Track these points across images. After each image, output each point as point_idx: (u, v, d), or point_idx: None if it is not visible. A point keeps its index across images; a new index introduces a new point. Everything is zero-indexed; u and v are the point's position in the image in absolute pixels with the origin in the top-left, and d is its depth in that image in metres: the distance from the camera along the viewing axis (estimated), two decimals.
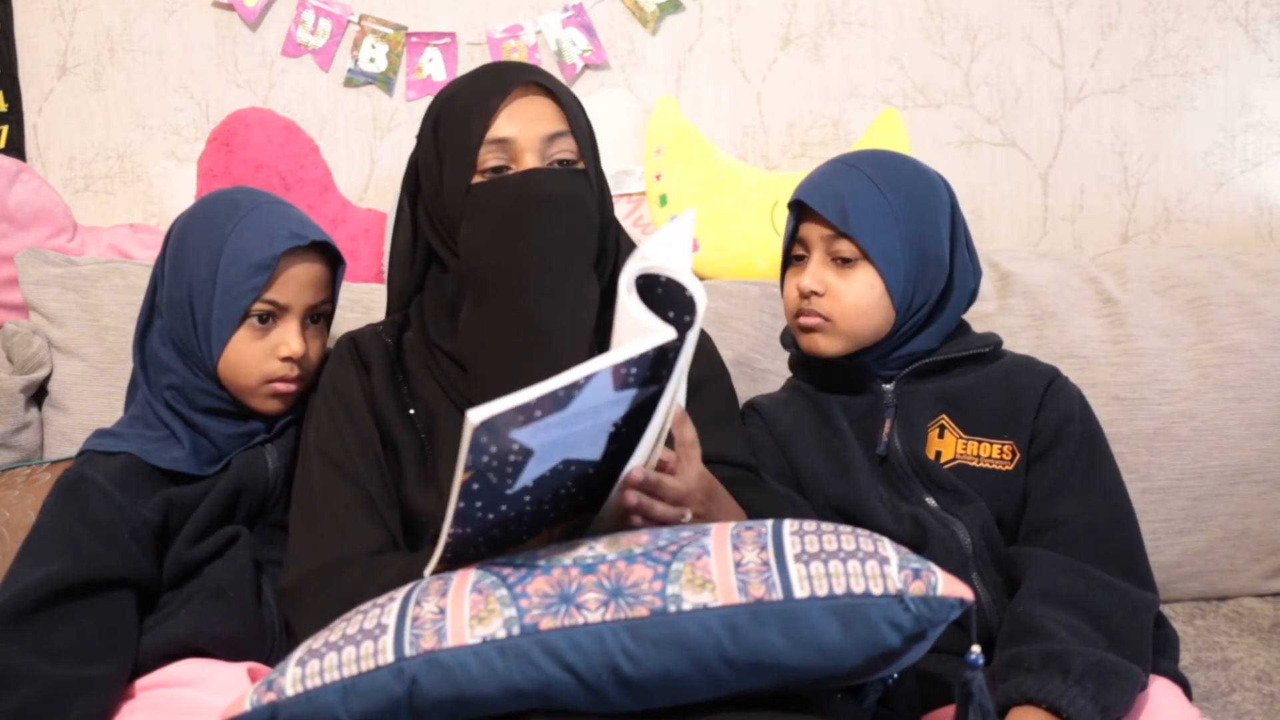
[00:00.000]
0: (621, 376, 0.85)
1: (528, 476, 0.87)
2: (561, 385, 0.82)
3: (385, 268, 1.82)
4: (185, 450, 1.23)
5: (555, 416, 0.84)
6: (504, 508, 0.89)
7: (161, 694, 1.14)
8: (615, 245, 1.21)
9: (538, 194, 1.11)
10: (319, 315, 1.29)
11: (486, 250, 1.11)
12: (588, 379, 0.83)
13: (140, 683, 1.16)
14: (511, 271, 1.10)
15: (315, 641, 0.88)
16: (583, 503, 0.95)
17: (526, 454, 0.85)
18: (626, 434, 0.91)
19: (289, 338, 1.24)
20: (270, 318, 1.24)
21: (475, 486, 0.85)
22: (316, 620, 1.07)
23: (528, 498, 0.89)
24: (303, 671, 0.86)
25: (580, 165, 1.16)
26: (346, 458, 1.14)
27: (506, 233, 1.11)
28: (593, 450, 0.90)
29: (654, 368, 0.87)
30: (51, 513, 1.18)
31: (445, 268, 1.17)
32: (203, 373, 1.24)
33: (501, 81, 1.14)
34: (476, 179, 1.12)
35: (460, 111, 1.14)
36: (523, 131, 1.12)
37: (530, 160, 1.12)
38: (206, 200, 1.30)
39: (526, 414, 0.82)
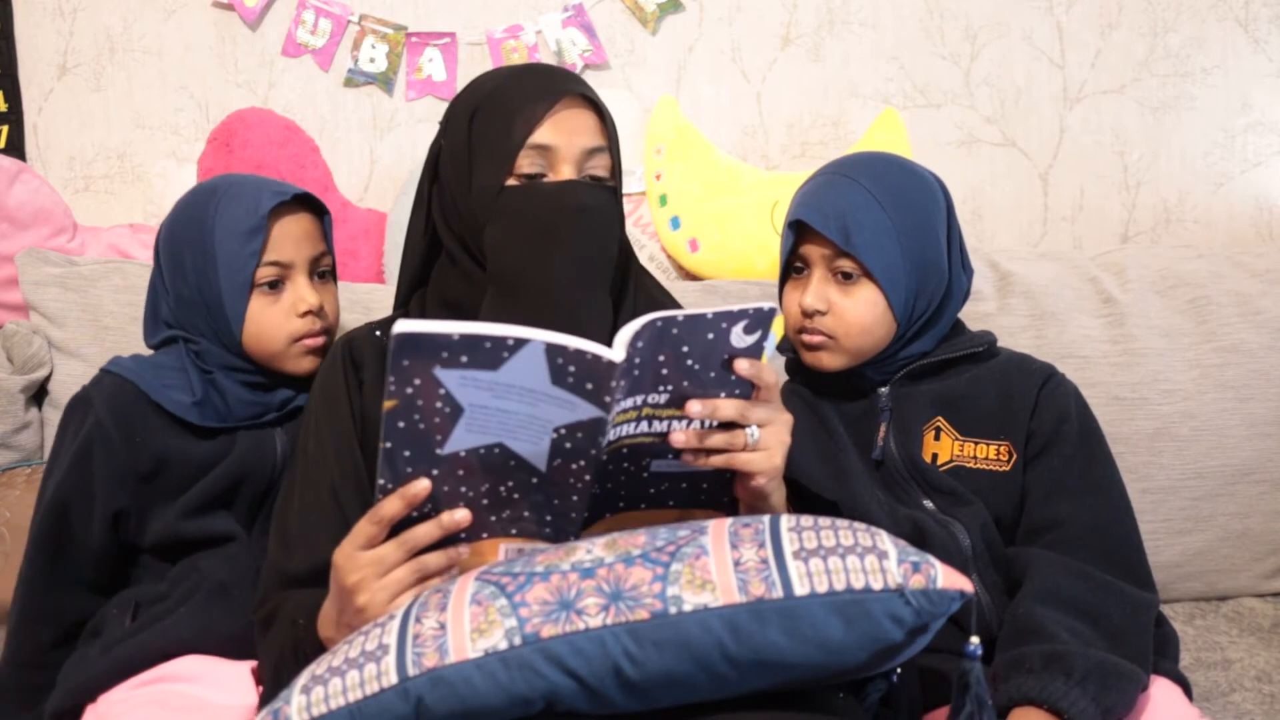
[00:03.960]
0: (558, 367, 0.85)
1: (459, 442, 0.87)
2: (489, 334, 0.83)
3: (386, 265, 1.82)
4: (191, 399, 1.25)
5: (484, 375, 0.84)
6: (435, 472, 0.89)
7: (163, 689, 1.15)
8: (626, 266, 1.20)
9: (575, 205, 1.10)
10: (323, 271, 1.31)
11: (518, 257, 1.09)
12: (517, 342, 0.83)
13: (142, 677, 1.16)
14: (544, 281, 1.09)
15: (318, 667, 0.88)
16: (529, 521, 0.95)
17: (455, 409, 0.85)
18: (575, 471, 0.92)
19: (302, 292, 1.27)
20: (279, 282, 1.26)
21: (400, 425, 0.86)
22: (259, 633, 1.09)
23: (461, 472, 0.89)
24: (308, 700, 0.85)
25: (611, 183, 1.15)
26: (324, 466, 1.13)
27: (541, 242, 1.09)
28: (532, 448, 0.89)
29: (592, 394, 0.87)
30: (59, 433, 1.27)
31: (454, 261, 1.16)
32: (232, 350, 1.26)
33: (550, 87, 1.12)
34: (510, 182, 1.10)
35: (502, 110, 1.12)
36: (565, 142, 1.10)
37: (567, 171, 1.10)
38: (182, 200, 1.32)
39: (451, 350, 0.83)
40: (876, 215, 1.19)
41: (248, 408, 1.27)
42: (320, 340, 1.28)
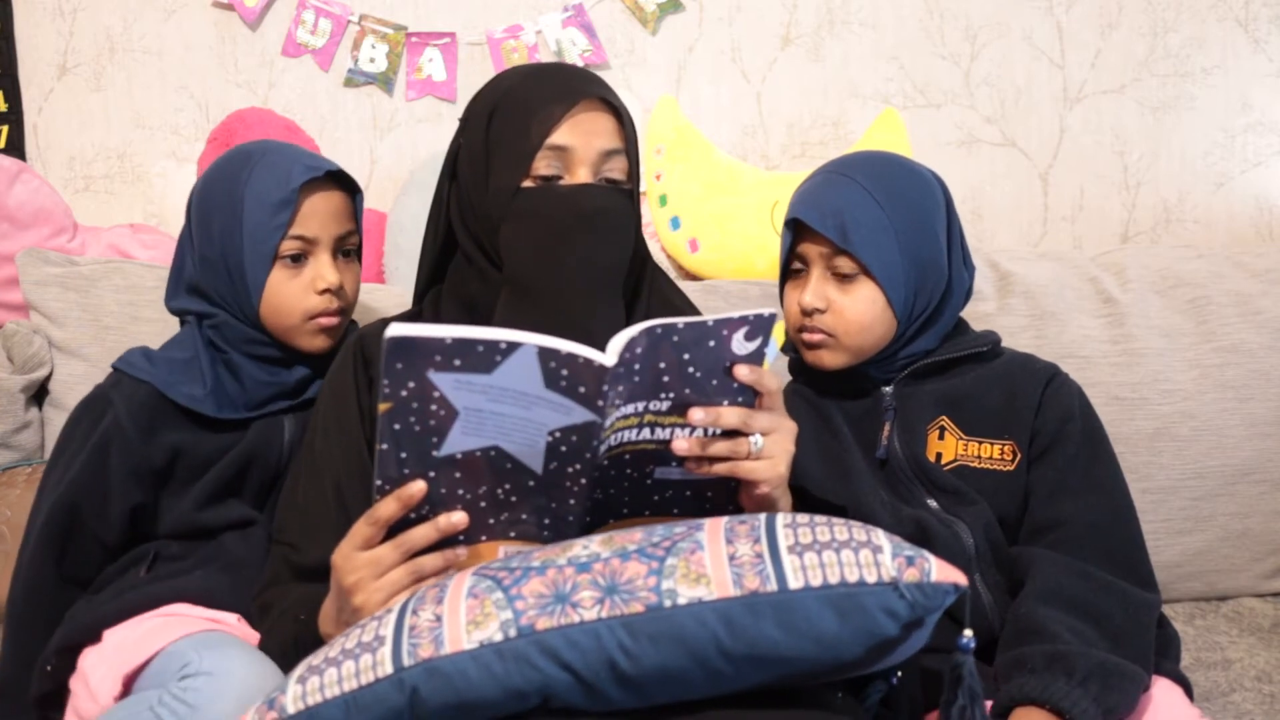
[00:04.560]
0: (551, 371, 0.86)
1: (455, 444, 0.88)
2: (481, 337, 0.83)
3: (386, 265, 1.82)
4: (205, 389, 1.25)
5: (478, 378, 0.85)
6: (431, 474, 0.89)
7: (169, 619, 1.16)
8: (641, 268, 1.20)
9: (589, 208, 1.10)
10: (349, 250, 1.32)
11: (531, 258, 1.10)
12: (510, 346, 0.84)
13: (146, 614, 1.17)
14: (556, 283, 1.09)
15: (315, 658, 0.88)
16: (528, 524, 0.95)
17: (450, 411, 0.86)
18: (571, 474, 0.92)
19: (323, 270, 1.27)
20: (302, 256, 1.27)
21: (396, 427, 0.86)
22: (257, 618, 1.11)
23: (458, 474, 0.89)
24: (303, 689, 0.85)
25: (628, 185, 1.15)
26: (330, 464, 1.14)
27: (554, 244, 1.09)
28: (527, 451, 0.90)
29: (584, 398, 0.87)
30: (69, 428, 1.27)
31: (469, 260, 1.16)
32: (248, 321, 1.27)
33: (569, 88, 1.11)
34: (527, 183, 1.10)
35: (520, 110, 1.11)
36: (582, 144, 1.10)
37: (584, 174, 1.10)
38: (218, 161, 1.33)
39: (444, 354, 0.83)
40: (874, 213, 1.19)
41: (263, 388, 1.28)
42: (335, 320, 1.29)
